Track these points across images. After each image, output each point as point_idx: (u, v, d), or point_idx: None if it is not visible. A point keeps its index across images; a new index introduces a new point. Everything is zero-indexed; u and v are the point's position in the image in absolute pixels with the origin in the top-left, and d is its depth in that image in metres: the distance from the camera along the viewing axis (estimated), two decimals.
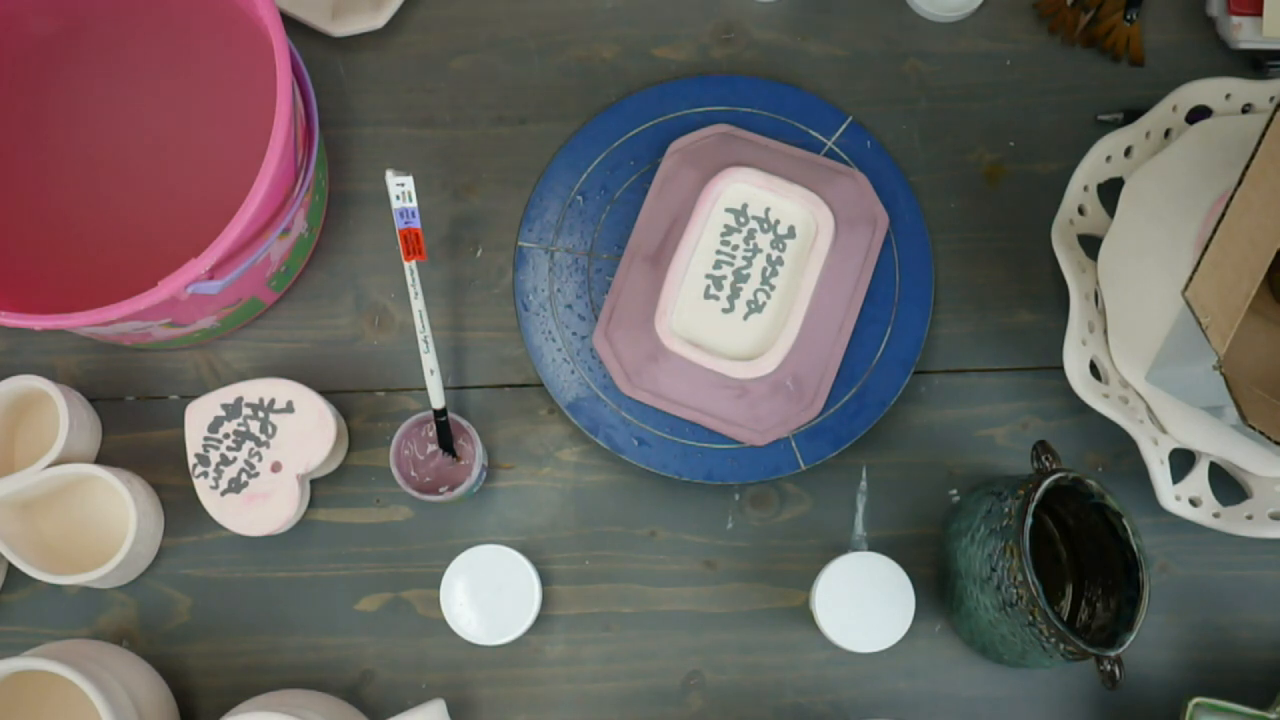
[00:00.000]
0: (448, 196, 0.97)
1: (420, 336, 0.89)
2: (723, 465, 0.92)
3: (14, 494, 0.88)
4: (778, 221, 0.92)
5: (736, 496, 0.94)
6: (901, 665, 0.92)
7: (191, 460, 0.89)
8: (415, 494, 0.87)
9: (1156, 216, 0.91)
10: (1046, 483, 0.80)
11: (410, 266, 0.88)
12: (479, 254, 0.97)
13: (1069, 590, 0.90)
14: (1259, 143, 0.81)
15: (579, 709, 0.92)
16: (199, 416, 0.89)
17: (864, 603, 0.86)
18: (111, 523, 0.92)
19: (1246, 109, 0.93)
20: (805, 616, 0.92)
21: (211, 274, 0.81)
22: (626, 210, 0.95)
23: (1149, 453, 0.88)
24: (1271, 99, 0.93)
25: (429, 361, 0.89)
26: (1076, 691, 0.91)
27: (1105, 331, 0.91)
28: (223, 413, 0.89)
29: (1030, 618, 0.79)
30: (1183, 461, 0.91)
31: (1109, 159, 0.93)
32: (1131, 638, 0.79)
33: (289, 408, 0.89)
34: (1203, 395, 0.85)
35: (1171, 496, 0.88)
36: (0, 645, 0.92)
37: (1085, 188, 0.92)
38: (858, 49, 0.99)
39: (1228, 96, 0.93)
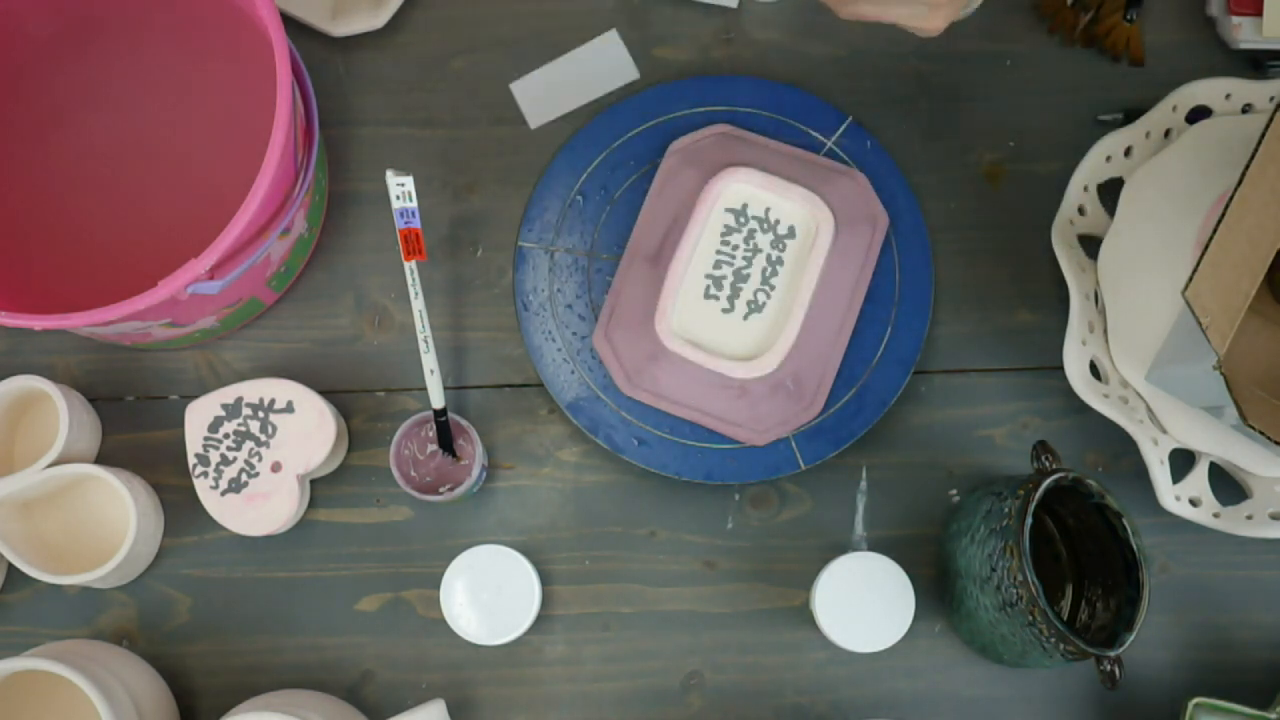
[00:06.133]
0: (448, 196, 0.97)
1: (420, 336, 0.89)
2: (723, 465, 0.92)
3: (14, 494, 0.88)
4: (778, 221, 0.92)
5: (736, 496, 0.94)
6: (901, 665, 0.92)
7: (191, 460, 0.89)
8: (415, 494, 0.87)
9: (1156, 216, 0.91)
10: (1046, 483, 0.80)
11: (410, 266, 0.88)
12: (479, 254, 0.97)
13: (1069, 590, 0.90)
14: (1259, 143, 0.81)
15: (579, 709, 0.92)
16: (199, 416, 0.89)
17: (864, 603, 0.86)
18: (111, 523, 0.92)
19: (1246, 109, 0.93)
20: (805, 616, 0.92)
21: (211, 274, 0.81)
22: (626, 210, 0.95)
23: (1149, 453, 0.88)
24: (1271, 99, 0.93)
25: (429, 361, 0.89)
26: (1076, 691, 0.91)
27: (1105, 331, 0.91)
28: (223, 413, 0.89)
29: (1030, 618, 0.79)
30: (1183, 461, 0.91)
31: (1109, 159, 0.93)
32: (1131, 638, 0.79)
33: (289, 408, 0.89)
34: (1203, 395, 0.85)
35: (1171, 496, 0.88)
36: (0, 645, 0.92)
37: (1085, 188, 0.92)
38: (858, 49, 0.98)
39: (1228, 96, 0.93)
